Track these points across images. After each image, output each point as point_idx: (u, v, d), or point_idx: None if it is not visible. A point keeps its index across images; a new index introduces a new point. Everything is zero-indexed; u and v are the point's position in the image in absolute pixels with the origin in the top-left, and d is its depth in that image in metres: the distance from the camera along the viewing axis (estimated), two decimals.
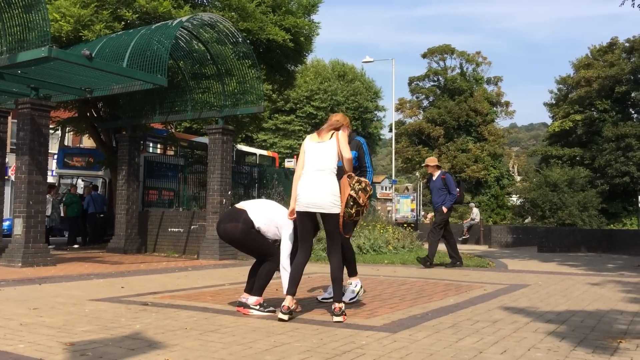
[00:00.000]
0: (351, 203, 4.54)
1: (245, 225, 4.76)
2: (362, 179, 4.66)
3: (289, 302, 4.45)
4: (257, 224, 4.79)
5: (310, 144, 4.70)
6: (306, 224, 4.63)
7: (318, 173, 4.55)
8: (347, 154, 4.60)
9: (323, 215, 4.56)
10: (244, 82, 11.86)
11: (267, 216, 4.84)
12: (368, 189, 4.64)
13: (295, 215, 4.66)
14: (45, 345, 3.51)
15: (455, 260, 9.67)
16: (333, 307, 4.49)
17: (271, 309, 4.77)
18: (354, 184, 4.56)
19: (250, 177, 16.25)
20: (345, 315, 4.46)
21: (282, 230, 4.83)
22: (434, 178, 9.78)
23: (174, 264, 10.06)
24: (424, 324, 4.37)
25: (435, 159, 10.10)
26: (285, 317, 4.38)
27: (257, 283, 4.80)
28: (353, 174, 4.64)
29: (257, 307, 4.75)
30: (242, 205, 4.96)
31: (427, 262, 9.50)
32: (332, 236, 4.63)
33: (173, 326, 4.18)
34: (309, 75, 38.98)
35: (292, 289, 4.53)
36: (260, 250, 4.88)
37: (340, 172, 4.68)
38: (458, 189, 9.73)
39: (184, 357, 3.26)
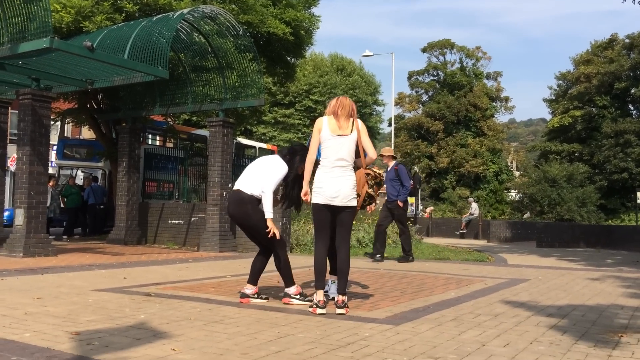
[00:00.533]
0: (366, 198, 4.61)
1: (251, 204, 4.84)
2: (376, 171, 4.67)
3: (321, 296, 4.48)
4: (258, 193, 4.85)
5: (330, 135, 4.54)
6: (324, 216, 4.59)
7: (338, 168, 4.52)
8: (373, 153, 4.57)
9: (340, 207, 4.54)
10: (245, 75, 11.84)
11: (258, 179, 4.89)
12: (382, 182, 4.71)
13: (308, 196, 4.66)
14: (51, 335, 3.53)
15: (377, 253, 9.38)
16: (336, 300, 4.52)
17: (310, 299, 4.78)
18: (370, 181, 4.61)
19: None
20: (347, 307, 4.49)
21: (273, 170, 4.89)
22: (389, 169, 9.54)
23: (175, 256, 10.08)
24: (426, 316, 4.40)
25: (391, 149, 9.74)
26: (324, 311, 4.42)
27: (283, 275, 4.89)
28: (370, 171, 4.64)
29: (298, 296, 4.84)
30: (236, 186, 5.03)
31: (409, 257, 9.44)
32: (346, 228, 4.63)
33: (177, 317, 4.20)
34: (308, 68, 38.91)
35: (320, 283, 4.56)
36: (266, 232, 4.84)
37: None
38: (412, 181, 9.40)
39: (189, 347, 3.28)
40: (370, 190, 4.60)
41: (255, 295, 5.01)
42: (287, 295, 4.89)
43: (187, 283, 6.29)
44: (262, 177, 4.91)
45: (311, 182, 4.70)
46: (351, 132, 4.55)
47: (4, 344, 3.25)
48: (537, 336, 3.75)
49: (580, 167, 25.58)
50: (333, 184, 4.50)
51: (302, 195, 4.73)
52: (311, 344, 3.42)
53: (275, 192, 5.03)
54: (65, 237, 14.23)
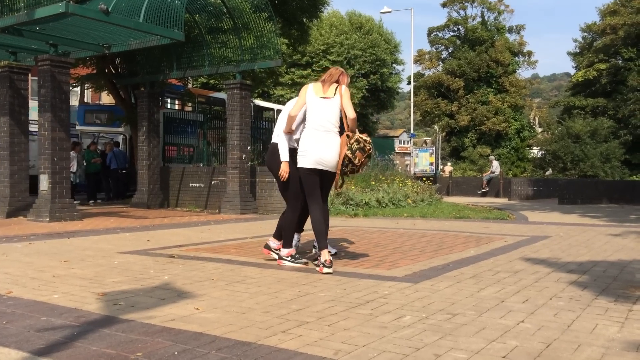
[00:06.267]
0: (346, 162, 4.59)
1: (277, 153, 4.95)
2: (363, 136, 4.64)
3: (327, 255, 4.55)
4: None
5: (315, 97, 4.69)
6: (313, 179, 4.70)
7: (325, 133, 4.61)
8: (352, 113, 4.61)
9: (325, 172, 4.67)
10: (261, 36, 11.70)
11: (276, 127, 5.03)
12: (367, 148, 4.62)
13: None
14: (79, 296, 3.64)
15: None
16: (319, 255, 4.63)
17: (303, 260, 4.88)
18: (351, 144, 4.57)
19: (268, 132, 16.25)
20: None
21: (285, 113, 4.98)
22: None
23: (197, 218, 10.24)
24: (445, 274, 4.43)
25: None
26: (330, 270, 4.49)
27: (283, 235, 4.93)
28: (351, 134, 4.62)
29: (289, 258, 4.88)
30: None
31: None
32: (325, 191, 4.83)
33: (200, 277, 4.29)
34: (324, 28, 38.22)
35: (323, 243, 4.64)
36: (288, 189, 4.98)
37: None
38: None
39: (212, 306, 3.36)
40: (349, 153, 4.53)
41: (279, 251, 5.11)
42: (280, 257, 4.95)
43: (209, 245, 6.40)
44: (278, 123, 5.03)
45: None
46: (334, 95, 4.66)
47: (34, 305, 3.37)
48: (557, 292, 3.76)
49: (605, 122, 24.97)
50: (317, 148, 4.59)
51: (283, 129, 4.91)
52: (331, 302, 3.48)
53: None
54: (92, 202, 14.52)
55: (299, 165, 4.70)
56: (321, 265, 4.52)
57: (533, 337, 2.72)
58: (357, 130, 4.68)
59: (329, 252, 4.72)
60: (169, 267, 4.76)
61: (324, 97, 4.66)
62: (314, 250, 5.70)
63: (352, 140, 4.57)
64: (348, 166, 4.62)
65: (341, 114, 4.68)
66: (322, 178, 4.72)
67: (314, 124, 4.64)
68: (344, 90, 4.69)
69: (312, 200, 4.73)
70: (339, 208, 10.97)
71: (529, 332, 2.79)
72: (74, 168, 14.08)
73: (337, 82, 4.76)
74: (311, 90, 4.73)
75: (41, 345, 2.59)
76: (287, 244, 4.91)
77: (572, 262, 5.06)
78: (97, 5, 8.41)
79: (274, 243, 5.14)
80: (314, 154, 4.59)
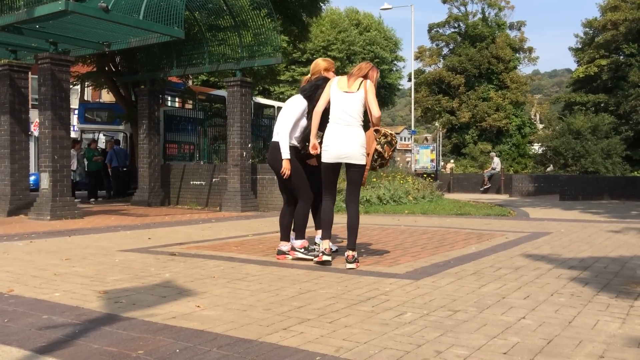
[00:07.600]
0: (376, 157, 4.61)
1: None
2: (388, 131, 4.66)
3: (328, 244, 4.61)
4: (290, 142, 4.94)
5: (338, 91, 4.64)
6: (331, 174, 4.72)
7: (346, 127, 4.57)
8: (376, 111, 4.56)
9: (348, 165, 4.61)
10: (260, 33, 11.69)
11: (277, 124, 5.02)
12: (393, 141, 4.66)
13: (318, 150, 4.72)
14: (80, 294, 3.64)
15: None
16: (346, 255, 4.61)
17: (315, 253, 4.88)
18: (380, 138, 4.59)
19: (269, 129, 16.25)
20: (357, 262, 4.61)
21: (287, 110, 4.97)
22: None
23: (198, 216, 10.24)
24: (447, 271, 4.43)
25: None
26: (329, 258, 4.56)
27: (296, 226, 4.97)
28: (380, 128, 4.64)
29: (302, 250, 4.93)
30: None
31: None
32: (355, 186, 4.70)
33: (201, 275, 4.30)
34: (325, 25, 38.19)
35: (327, 233, 4.68)
36: (296, 184, 4.95)
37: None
38: None
39: (213, 303, 3.36)
40: (379, 147, 4.57)
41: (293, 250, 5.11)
42: (292, 248, 4.99)
43: (211, 242, 6.40)
44: (278, 120, 5.00)
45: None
46: (358, 90, 4.60)
47: (35, 304, 3.37)
48: (558, 288, 3.76)
49: (606, 118, 24.96)
50: (339, 142, 4.56)
51: (310, 148, 4.80)
52: (332, 299, 3.47)
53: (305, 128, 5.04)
54: (92, 200, 14.52)
55: (322, 159, 4.68)
56: (320, 254, 4.57)
57: (534, 333, 2.72)
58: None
59: (331, 249, 4.75)
60: (170, 265, 4.76)
61: (347, 92, 4.61)
62: (315, 247, 5.71)
63: (380, 135, 4.60)
64: (377, 160, 4.65)
65: (365, 109, 4.65)
66: (347, 172, 4.66)
67: (335, 117, 4.62)
68: (369, 85, 4.61)
69: (327, 193, 4.76)
70: (340, 205, 10.94)
71: (530, 328, 2.79)
72: (74, 166, 14.08)
73: (366, 76, 4.68)
74: (335, 84, 4.68)
75: (43, 343, 2.59)
76: (300, 235, 4.96)
77: (573, 258, 5.06)
78: (97, 3, 8.40)
79: (285, 246, 5.11)
80: (334, 148, 4.57)
